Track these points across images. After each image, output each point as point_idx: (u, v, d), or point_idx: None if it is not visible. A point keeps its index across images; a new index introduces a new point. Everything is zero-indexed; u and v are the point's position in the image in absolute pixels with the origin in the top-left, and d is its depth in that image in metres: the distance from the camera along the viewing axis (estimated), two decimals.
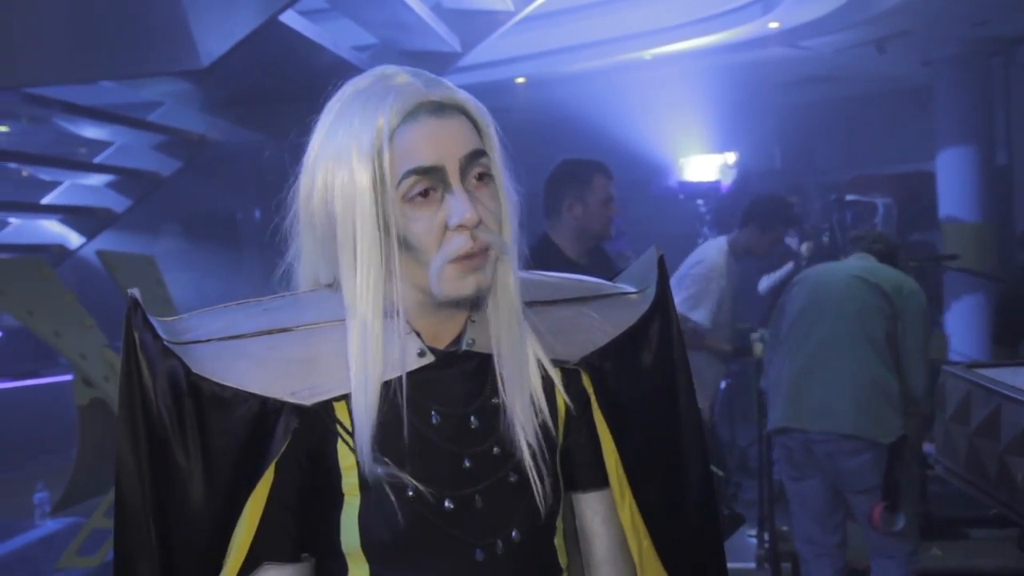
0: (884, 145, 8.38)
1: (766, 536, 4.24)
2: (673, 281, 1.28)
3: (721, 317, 4.03)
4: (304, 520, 1.07)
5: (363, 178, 1.00)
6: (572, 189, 3.01)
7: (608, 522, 1.18)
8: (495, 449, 1.08)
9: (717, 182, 7.12)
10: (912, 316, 3.20)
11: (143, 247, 6.94)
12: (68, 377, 4.92)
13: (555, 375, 1.13)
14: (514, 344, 1.08)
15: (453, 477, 1.06)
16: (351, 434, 1.04)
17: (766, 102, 8.44)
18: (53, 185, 5.99)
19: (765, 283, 5.66)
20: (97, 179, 5.70)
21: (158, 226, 8.81)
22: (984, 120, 6.99)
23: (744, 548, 4.40)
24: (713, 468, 3.24)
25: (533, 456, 1.08)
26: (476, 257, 1.01)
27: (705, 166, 7.52)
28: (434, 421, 1.07)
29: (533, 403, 1.09)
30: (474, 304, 1.08)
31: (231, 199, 8.50)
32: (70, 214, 5.67)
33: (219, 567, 1.04)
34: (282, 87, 4.82)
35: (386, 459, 1.04)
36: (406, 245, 1.02)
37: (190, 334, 1.05)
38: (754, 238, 4.05)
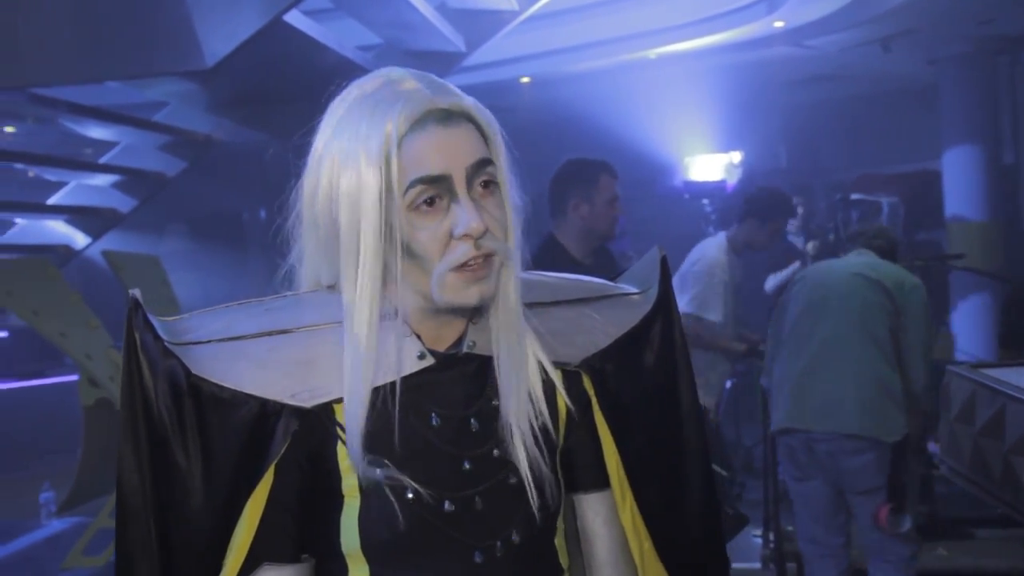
0: (890, 144, 8.36)
1: (771, 536, 4.23)
2: (675, 281, 1.27)
3: (726, 314, 4.03)
4: (304, 521, 1.07)
5: (370, 184, 1.00)
6: (578, 189, 3.01)
7: (609, 523, 1.18)
8: (495, 451, 1.08)
9: (722, 181, 7.11)
10: (913, 312, 3.19)
11: (148, 247, 6.94)
12: (74, 377, 4.93)
13: (556, 377, 1.12)
14: (513, 347, 1.08)
15: (453, 479, 1.06)
16: None
17: (771, 101, 8.43)
18: (59, 185, 6.01)
19: (772, 282, 5.65)
20: (103, 179, 5.71)
21: (163, 226, 8.81)
22: (990, 119, 6.97)
23: (749, 548, 4.39)
24: (716, 468, 3.24)
25: (529, 460, 1.08)
26: (480, 267, 1.01)
27: (710, 165, 7.50)
28: (434, 423, 1.07)
29: (533, 405, 1.09)
30: (475, 308, 1.08)
31: (236, 199, 8.49)
32: (76, 214, 5.69)
33: (219, 567, 1.04)
34: (286, 87, 4.82)
35: (386, 461, 1.04)
36: (409, 252, 1.02)
37: (191, 335, 1.05)
38: (753, 231, 4.04)
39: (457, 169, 1.01)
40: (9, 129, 8.08)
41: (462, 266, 1.01)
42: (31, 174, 7.48)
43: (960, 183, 6.96)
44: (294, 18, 4.13)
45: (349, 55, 4.74)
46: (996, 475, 2.33)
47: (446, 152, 1.00)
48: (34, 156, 6.21)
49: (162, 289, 4.94)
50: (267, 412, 1.03)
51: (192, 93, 5.17)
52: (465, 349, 1.09)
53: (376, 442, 1.03)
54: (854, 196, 6.30)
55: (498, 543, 1.07)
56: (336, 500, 1.06)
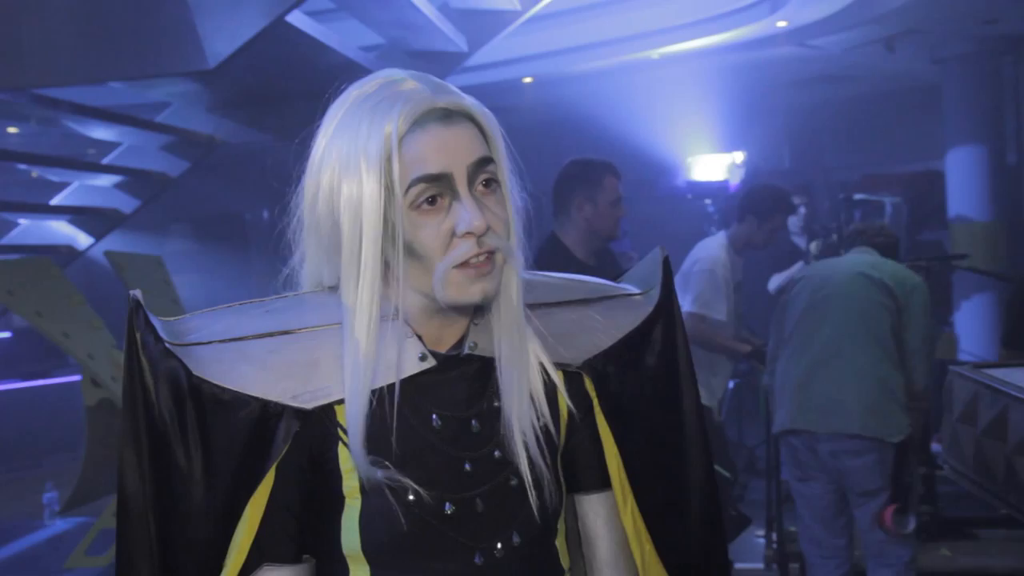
0: (893, 144, 8.35)
1: (774, 536, 4.22)
2: (677, 281, 1.27)
3: (728, 312, 4.02)
4: (305, 522, 1.07)
5: (370, 186, 1.00)
6: (583, 189, 3.02)
7: (610, 524, 1.18)
8: (496, 453, 1.08)
9: (725, 182, 7.09)
10: (915, 309, 3.18)
11: (151, 248, 6.94)
12: (77, 378, 4.93)
13: (557, 379, 1.12)
14: (515, 348, 1.08)
15: (454, 480, 1.06)
16: None
17: (774, 101, 8.42)
18: (62, 186, 6.01)
19: (775, 282, 5.64)
20: (106, 180, 5.71)
21: (166, 227, 8.82)
22: (994, 119, 6.95)
23: (752, 549, 4.39)
24: (719, 469, 3.24)
25: (530, 461, 1.08)
26: (483, 264, 1.01)
27: (713, 166, 7.49)
28: (435, 424, 1.07)
29: (535, 406, 1.09)
30: (477, 308, 1.08)
31: (239, 199, 8.50)
32: (79, 215, 5.69)
33: (220, 568, 1.04)
34: (289, 87, 4.83)
35: (386, 462, 1.04)
36: (411, 252, 1.02)
37: (192, 335, 1.05)
38: (753, 229, 4.03)
39: (458, 167, 1.01)
40: (12, 130, 8.08)
41: (465, 264, 1.01)
42: (34, 174, 7.48)
43: (964, 183, 6.95)
44: (296, 19, 4.13)
45: (351, 55, 4.74)
46: (999, 476, 2.32)
47: (447, 150, 1.01)
48: (37, 156, 6.21)
49: (165, 289, 4.93)
50: (268, 413, 1.03)
51: (195, 94, 5.17)
52: (467, 350, 1.09)
53: (377, 443, 1.03)
54: (857, 196, 6.29)
55: (499, 544, 1.07)
56: (337, 501, 1.06)
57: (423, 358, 1.07)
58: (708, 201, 6.84)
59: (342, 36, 4.79)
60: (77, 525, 5.42)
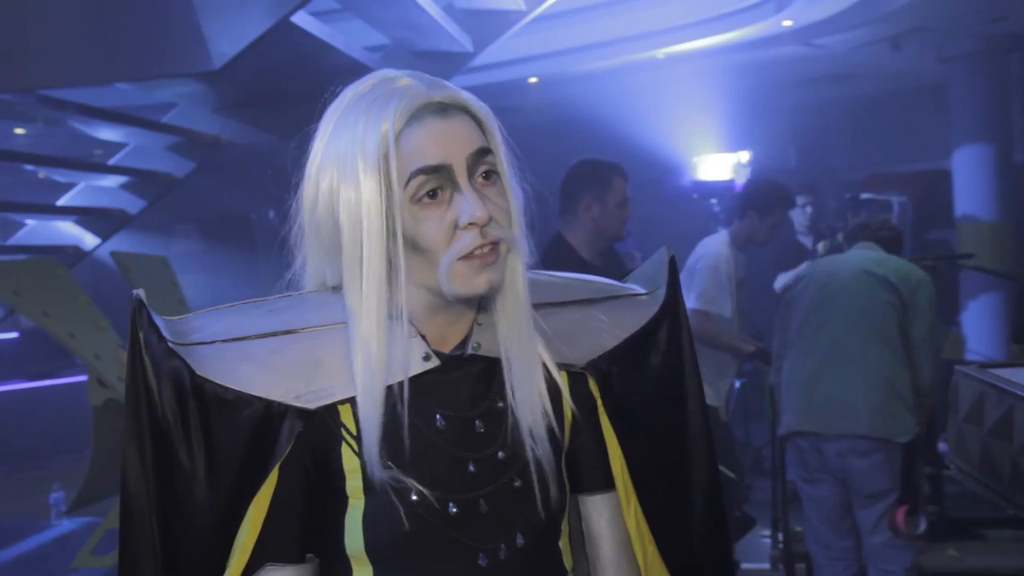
0: (900, 143, 8.33)
1: (780, 537, 4.21)
2: (681, 278, 1.26)
3: (732, 309, 4.02)
4: (308, 522, 1.07)
5: (369, 186, 1.00)
6: (591, 190, 3.01)
7: (614, 525, 1.17)
8: (500, 453, 1.08)
9: (731, 181, 7.07)
10: (921, 305, 3.17)
11: (157, 248, 6.95)
12: (84, 378, 4.93)
13: (562, 380, 1.12)
14: (523, 349, 1.07)
15: (458, 481, 1.06)
16: (355, 438, 1.04)
17: (780, 100, 8.40)
18: (68, 187, 6.02)
19: (781, 281, 5.62)
20: (112, 180, 5.72)
21: (172, 227, 8.84)
22: (1001, 118, 6.93)
23: (758, 549, 4.38)
24: (724, 471, 3.23)
25: (535, 462, 1.07)
26: (487, 255, 1.01)
27: (719, 165, 7.47)
28: (439, 425, 1.07)
29: (539, 407, 1.09)
30: (482, 305, 1.08)
31: (245, 200, 8.51)
32: (85, 215, 5.70)
33: (223, 568, 1.04)
34: (294, 88, 4.83)
35: (390, 463, 1.03)
36: (415, 247, 1.01)
37: (195, 335, 1.05)
38: (754, 225, 4.03)
39: (457, 158, 1.01)
40: (19, 130, 8.11)
41: (469, 255, 1.01)
42: (41, 175, 7.50)
43: (970, 182, 6.93)
44: (301, 19, 4.13)
45: (356, 56, 4.75)
46: (1004, 476, 2.31)
47: (445, 142, 1.01)
48: (43, 157, 6.23)
49: (171, 290, 4.94)
50: (271, 413, 1.03)
51: (200, 94, 5.18)
52: (470, 350, 1.08)
53: (383, 443, 1.03)
54: (864, 195, 6.27)
55: (502, 545, 1.07)
56: (340, 501, 1.06)
57: (427, 358, 1.06)
58: (714, 201, 6.81)
59: (347, 37, 4.79)
60: (84, 525, 5.42)
